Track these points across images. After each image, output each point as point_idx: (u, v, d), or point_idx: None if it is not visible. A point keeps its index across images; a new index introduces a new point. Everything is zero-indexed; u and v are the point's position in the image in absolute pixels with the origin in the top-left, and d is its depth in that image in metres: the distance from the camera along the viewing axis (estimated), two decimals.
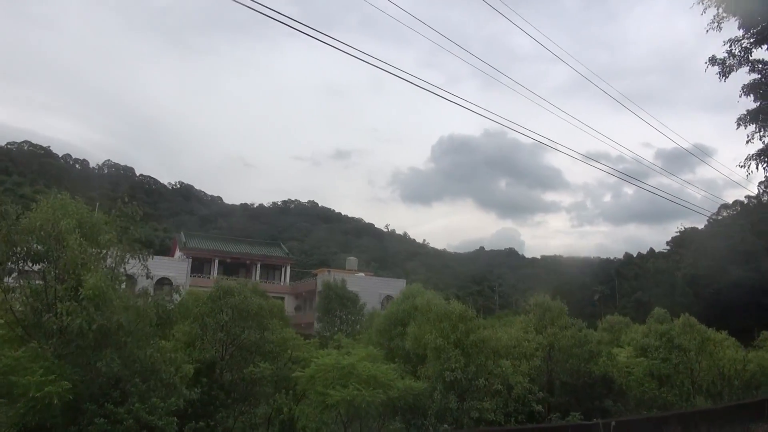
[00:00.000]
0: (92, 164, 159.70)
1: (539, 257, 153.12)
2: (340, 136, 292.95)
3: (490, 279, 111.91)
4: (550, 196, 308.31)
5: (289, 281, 77.71)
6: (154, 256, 62.21)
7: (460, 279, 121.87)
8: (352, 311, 39.92)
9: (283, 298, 73.18)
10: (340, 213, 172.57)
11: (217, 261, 72.87)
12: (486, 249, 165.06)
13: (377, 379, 14.23)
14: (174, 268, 65.25)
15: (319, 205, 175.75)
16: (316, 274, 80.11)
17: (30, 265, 11.10)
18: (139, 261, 13.11)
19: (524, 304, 24.12)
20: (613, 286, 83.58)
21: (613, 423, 15.96)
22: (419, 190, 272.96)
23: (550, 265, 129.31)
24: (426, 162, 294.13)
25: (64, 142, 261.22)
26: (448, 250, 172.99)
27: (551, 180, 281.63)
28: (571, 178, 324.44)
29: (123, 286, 13.33)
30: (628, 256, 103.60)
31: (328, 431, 16.03)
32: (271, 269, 78.03)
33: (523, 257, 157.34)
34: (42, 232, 11.40)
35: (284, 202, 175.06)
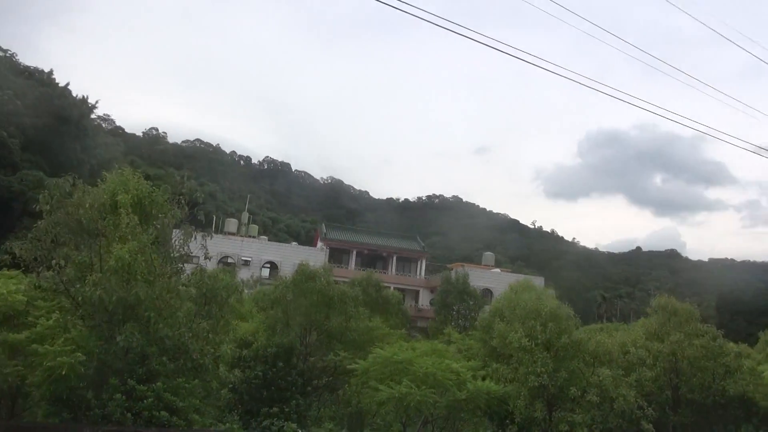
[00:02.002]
0: (254, 160, 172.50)
1: (706, 260, 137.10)
2: (481, 132, 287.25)
3: (645, 282, 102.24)
4: (714, 193, 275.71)
5: (425, 275, 77.15)
6: (295, 244, 64.68)
7: (612, 280, 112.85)
8: (472, 307, 38.17)
9: (418, 292, 73.02)
10: (484, 209, 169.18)
11: (354, 252, 74.37)
12: (643, 249, 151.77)
13: (436, 378, 12.79)
14: (312, 257, 67.72)
15: (464, 200, 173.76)
16: (452, 269, 78.73)
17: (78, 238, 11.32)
18: (192, 240, 12.91)
19: (646, 307, 20.81)
20: None
21: None
22: (565, 186, 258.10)
23: (718, 269, 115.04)
24: (572, 157, 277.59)
25: (231, 140, 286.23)
26: (600, 249, 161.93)
27: (715, 175, 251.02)
28: (740, 173, 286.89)
29: (187, 264, 13.23)
30: None
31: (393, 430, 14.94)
32: (407, 262, 78.02)
33: (687, 260, 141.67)
34: (92, 206, 11.59)
35: (428, 197, 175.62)
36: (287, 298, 19.53)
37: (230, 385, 18.19)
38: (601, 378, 14.93)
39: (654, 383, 18.04)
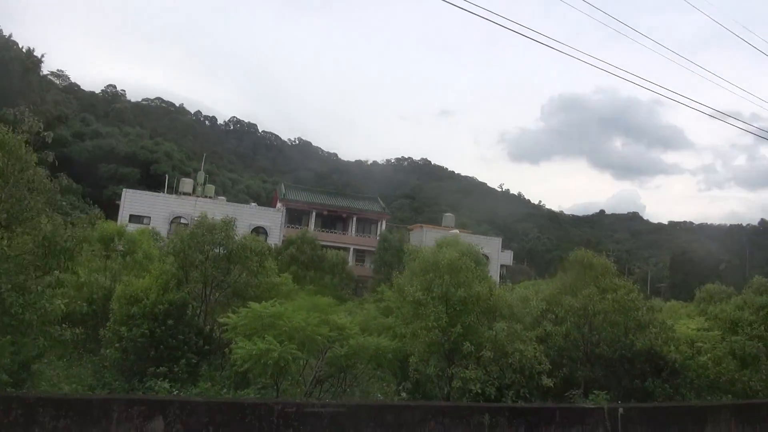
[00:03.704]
0: (219, 121, 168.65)
1: (666, 223, 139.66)
2: (446, 95, 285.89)
3: (607, 243, 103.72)
4: (671, 158, 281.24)
5: None
6: (253, 204, 62.70)
7: (574, 242, 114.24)
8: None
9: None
10: (452, 171, 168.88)
11: (314, 213, 73.15)
12: (607, 212, 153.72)
13: (305, 333, 11.92)
14: (269, 217, 66.38)
15: (432, 163, 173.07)
16: (411, 230, 78.28)
17: None
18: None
19: (563, 260, 20.17)
20: (743, 256, 73.01)
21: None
22: (528, 149, 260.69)
23: (676, 231, 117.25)
24: (535, 121, 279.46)
25: (196, 101, 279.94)
26: (566, 213, 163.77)
27: (672, 140, 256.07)
28: (696, 138, 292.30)
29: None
30: (765, 223, 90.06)
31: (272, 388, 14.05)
32: (367, 223, 77.05)
33: (648, 222, 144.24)
34: None
35: (397, 159, 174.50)
36: (184, 253, 18.36)
37: (117, 344, 17.09)
38: (495, 332, 14.21)
39: (566, 339, 17.44)
